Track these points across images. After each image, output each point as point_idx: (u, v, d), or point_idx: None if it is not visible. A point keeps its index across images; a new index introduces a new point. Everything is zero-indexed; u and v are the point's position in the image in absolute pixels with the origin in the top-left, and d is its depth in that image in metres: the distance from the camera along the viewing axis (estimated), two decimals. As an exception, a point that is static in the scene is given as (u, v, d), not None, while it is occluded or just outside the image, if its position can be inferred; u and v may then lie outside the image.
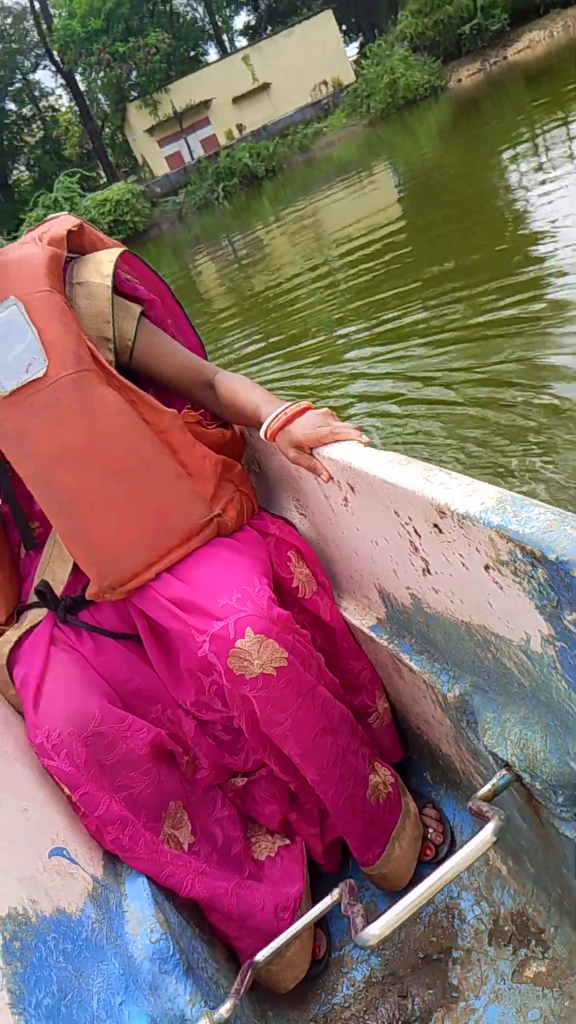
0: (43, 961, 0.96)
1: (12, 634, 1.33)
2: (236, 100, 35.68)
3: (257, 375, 5.87)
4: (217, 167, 29.24)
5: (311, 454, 1.27)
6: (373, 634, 1.38)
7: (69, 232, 1.33)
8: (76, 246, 1.36)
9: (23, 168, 47.76)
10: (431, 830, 1.44)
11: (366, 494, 1.17)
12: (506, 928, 1.28)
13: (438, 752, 1.44)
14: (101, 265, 1.33)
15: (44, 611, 1.35)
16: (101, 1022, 0.97)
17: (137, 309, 1.35)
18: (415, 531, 1.08)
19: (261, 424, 1.32)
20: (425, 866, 1.41)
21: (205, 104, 35.53)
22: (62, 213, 1.44)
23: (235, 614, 1.14)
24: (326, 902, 1.10)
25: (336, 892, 1.09)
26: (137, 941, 1.11)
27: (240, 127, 34.91)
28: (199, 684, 1.23)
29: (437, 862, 1.41)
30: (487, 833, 0.94)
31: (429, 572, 1.12)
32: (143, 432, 1.26)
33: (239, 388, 1.40)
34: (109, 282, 1.31)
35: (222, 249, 14.90)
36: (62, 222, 1.36)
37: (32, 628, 1.33)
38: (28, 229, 1.40)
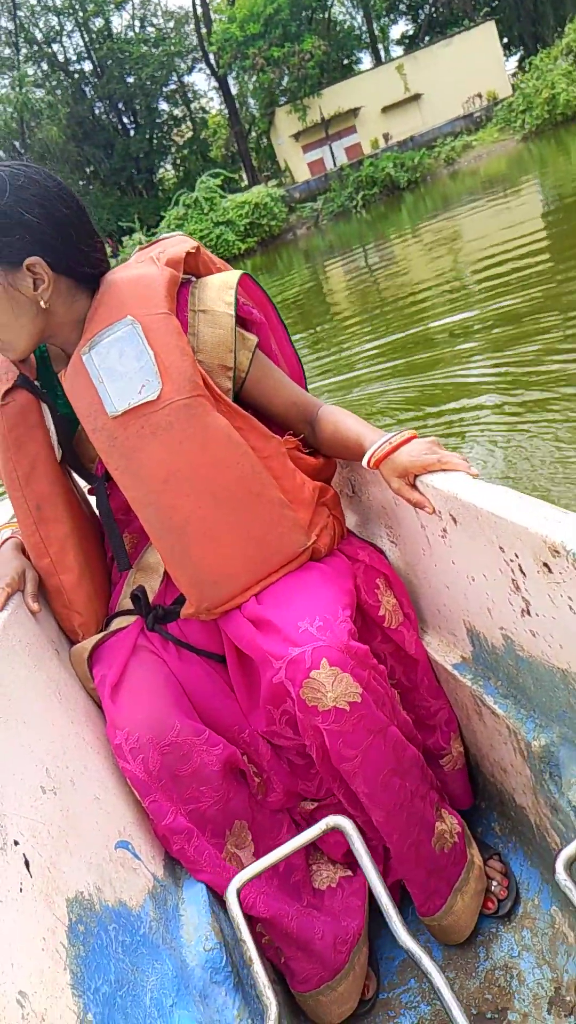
0: (103, 949, 0.98)
1: (99, 634, 1.37)
2: (385, 109, 35.56)
3: (370, 383, 5.84)
4: (359, 175, 29.17)
5: (415, 485, 1.25)
6: (456, 672, 1.35)
7: (187, 254, 1.34)
8: (191, 268, 1.37)
9: (169, 167, 49.28)
10: (495, 883, 1.39)
11: (469, 527, 1.15)
12: (568, 998, 1.22)
13: (511, 803, 1.39)
14: (224, 292, 1.33)
15: (131, 619, 1.38)
16: (152, 1019, 0.98)
17: (253, 341, 1.35)
18: (520, 569, 1.06)
19: (363, 454, 1.31)
20: (486, 920, 1.37)
21: (353, 112, 35.60)
22: (177, 233, 1.46)
23: (313, 642, 1.14)
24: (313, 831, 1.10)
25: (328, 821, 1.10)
26: (192, 947, 1.12)
27: (387, 136, 34.76)
28: (271, 714, 1.23)
29: (499, 917, 1.37)
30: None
31: (529, 613, 1.10)
32: (251, 460, 1.26)
33: (342, 420, 1.40)
34: (232, 311, 1.31)
35: (355, 258, 14.86)
36: (179, 243, 1.37)
37: (117, 631, 1.37)
38: (141, 247, 1.43)
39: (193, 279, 1.37)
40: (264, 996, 1.12)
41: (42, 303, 1.21)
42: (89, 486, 1.47)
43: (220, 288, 1.34)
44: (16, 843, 0.93)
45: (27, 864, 0.93)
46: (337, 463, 1.58)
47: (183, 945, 1.12)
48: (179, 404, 1.20)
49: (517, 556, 1.04)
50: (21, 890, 0.90)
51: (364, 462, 1.31)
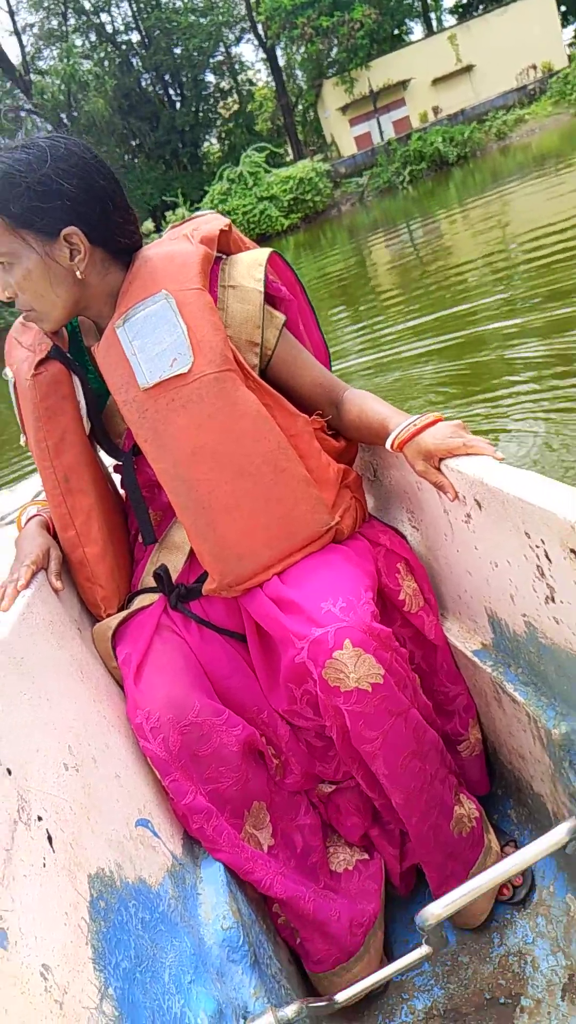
0: (124, 925, 1.00)
1: (122, 612, 1.38)
2: (436, 81, 34.67)
3: (411, 361, 5.77)
4: (407, 150, 28.50)
5: (439, 469, 1.24)
6: (476, 659, 1.34)
7: (220, 232, 1.35)
8: (223, 246, 1.38)
9: (214, 140, 48.90)
10: (512, 870, 1.39)
11: (494, 512, 1.14)
12: (581, 985, 1.22)
13: (528, 790, 1.39)
14: (254, 269, 1.34)
15: (154, 597, 1.39)
16: (171, 995, 1.00)
17: (281, 319, 1.35)
18: (546, 555, 1.05)
19: (387, 436, 1.30)
20: (501, 906, 1.37)
21: (403, 84, 34.81)
22: (209, 211, 1.47)
23: (336, 622, 1.14)
24: None
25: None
26: (209, 925, 1.14)
27: (436, 110, 33.93)
28: (291, 693, 1.24)
29: (514, 904, 1.37)
30: None
31: (553, 600, 1.09)
32: (278, 436, 1.27)
33: (367, 402, 1.40)
34: (261, 287, 1.32)
35: (399, 234, 14.63)
36: (212, 220, 1.38)
37: (140, 609, 1.38)
38: (173, 225, 1.43)
39: (224, 256, 1.38)
40: (280, 976, 1.15)
41: (78, 273, 1.23)
42: (115, 463, 1.49)
43: (250, 265, 1.34)
44: (40, 819, 0.95)
45: (50, 839, 0.95)
46: (359, 447, 1.57)
47: (201, 923, 1.14)
48: (209, 378, 1.21)
49: (543, 542, 1.03)
50: (44, 865, 0.92)
51: (388, 444, 1.30)
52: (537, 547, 1.06)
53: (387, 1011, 1.32)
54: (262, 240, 25.52)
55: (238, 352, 1.28)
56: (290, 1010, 1.04)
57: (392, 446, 1.29)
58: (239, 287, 1.32)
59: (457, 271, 8.44)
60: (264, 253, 1.37)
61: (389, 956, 1.38)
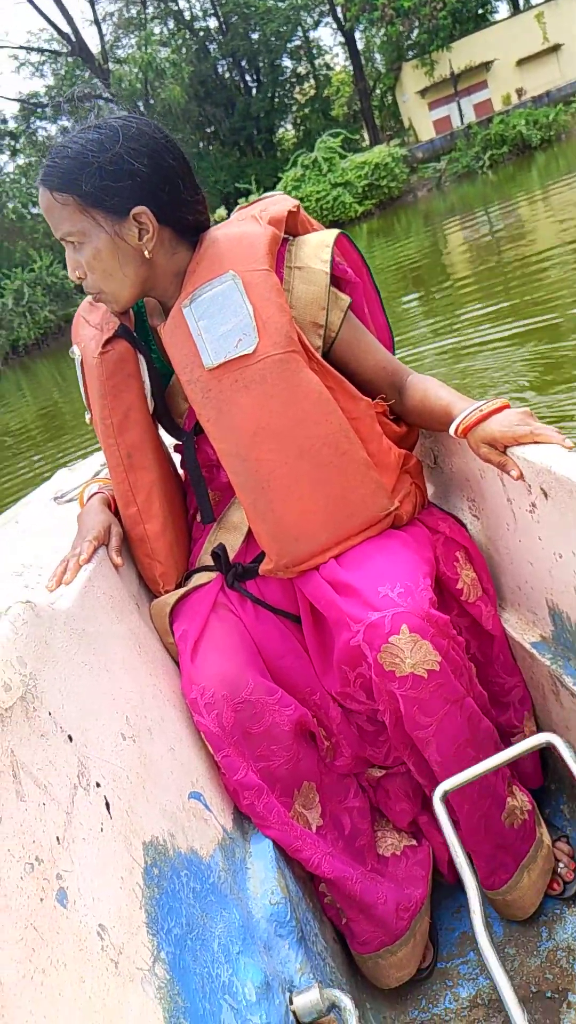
0: (176, 893, 1.02)
1: (180, 590, 1.40)
2: (520, 62, 33.51)
3: (488, 348, 5.67)
4: (487, 134, 27.57)
5: (504, 453, 1.23)
6: (535, 651, 1.33)
7: (288, 213, 1.35)
8: (290, 227, 1.38)
9: (289, 126, 48.67)
10: (562, 865, 1.38)
11: (561, 502, 1.12)
12: (631, 985, 1.21)
13: (584, 786, 1.37)
14: (320, 250, 1.34)
15: (212, 575, 1.41)
16: (220, 964, 1.02)
17: (346, 301, 1.35)
18: None
19: (451, 422, 1.29)
20: (551, 900, 1.36)
21: (486, 66, 33.80)
22: (277, 192, 1.47)
23: (393, 607, 1.14)
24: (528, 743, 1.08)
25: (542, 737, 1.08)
26: (258, 899, 1.16)
27: (520, 92, 32.77)
28: (345, 676, 1.24)
29: (564, 899, 1.35)
30: None
31: None
32: (340, 419, 1.27)
33: (432, 387, 1.39)
34: (328, 268, 1.32)
35: (477, 220, 14.34)
36: (280, 201, 1.38)
37: (198, 587, 1.40)
38: (241, 207, 1.44)
39: (291, 238, 1.38)
40: (325, 954, 1.16)
41: (146, 253, 1.24)
42: (176, 442, 1.51)
43: (317, 246, 1.34)
44: (98, 785, 0.98)
45: (108, 806, 0.98)
46: (420, 433, 1.56)
47: (250, 897, 1.16)
48: (274, 359, 1.22)
49: None
50: (102, 830, 0.94)
51: (452, 430, 1.29)
52: None
53: (431, 996, 1.33)
54: (336, 227, 25.33)
55: (303, 333, 1.28)
56: (336, 990, 1.05)
57: (456, 432, 1.28)
58: (305, 268, 1.33)
59: (538, 258, 8.23)
60: (331, 234, 1.37)
61: (435, 943, 1.38)
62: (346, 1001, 1.02)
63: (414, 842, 1.36)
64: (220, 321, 1.24)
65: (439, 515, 1.44)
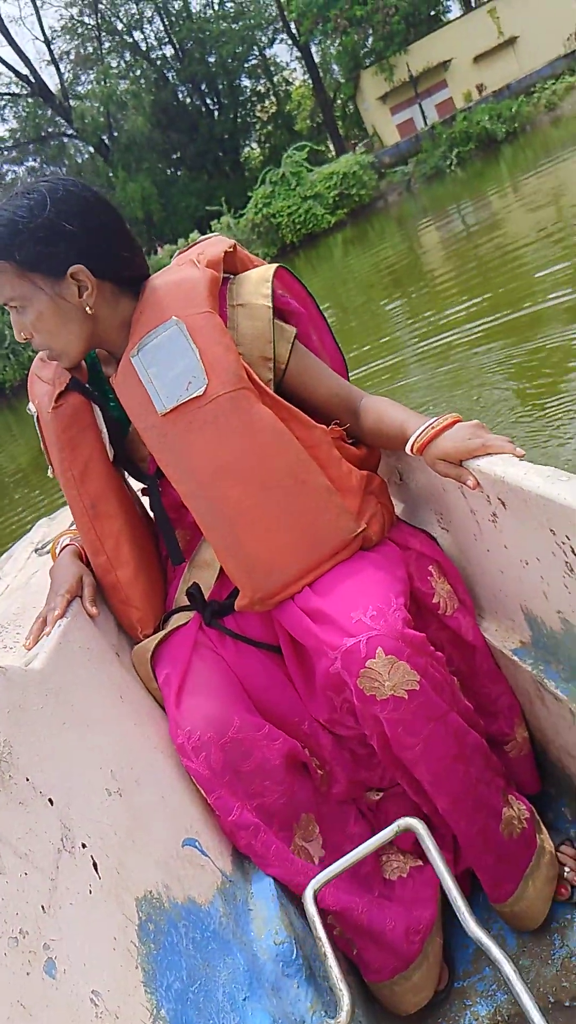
0: (174, 946, 1.01)
1: (159, 634, 1.40)
2: (477, 59, 33.44)
3: (466, 348, 5.67)
4: (452, 132, 27.46)
5: (460, 466, 1.23)
6: (516, 658, 1.32)
7: (225, 253, 1.37)
8: (229, 266, 1.40)
9: (255, 145, 48.90)
10: (568, 869, 1.36)
11: (518, 510, 1.12)
12: None
13: (581, 788, 1.36)
14: (260, 285, 1.35)
15: (189, 615, 1.41)
16: (226, 1013, 1.00)
17: (291, 332, 1.36)
18: (572, 551, 1.03)
19: (406, 441, 1.30)
20: (560, 906, 1.34)
21: (443, 65, 33.82)
22: (214, 234, 1.49)
23: (367, 631, 1.14)
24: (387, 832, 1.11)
25: (402, 823, 1.10)
26: (262, 941, 1.14)
27: (480, 87, 32.81)
28: (331, 702, 1.24)
29: (574, 904, 1.34)
30: None
31: None
32: (297, 449, 1.28)
33: (385, 408, 1.39)
34: (269, 302, 1.33)
35: (450, 220, 14.34)
36: (216, 244, 1.40)
37: (177, 629, 1.40)
38: (179, 251, 1.46)
39: (231, 276, 1.40)
40: (337, 988, 1.15)
41: (88, 309, 1.26)
42: (142, 486, 1.51)
43: (257, 282, 1.36)
44: (84, 846, 0.98)
45: (95, 866, 0.97)
46: (382, 452, 1.56)
47: (254, 939, 1.15)
48: (225, 398, 1.23)
49: (568, 538, 1.02)
50: (90, 892, 0.94)
51: (407, 448, 1.30)
52: (563, 543, 1.04)
53: (450, 1018, 1.31)
54: (310, 239, 25.35)
55: (251, 369, 1.29)
56: (342, 1017, 1.04)
57: (412, 451, 1.29)
58: (248, 305, 1.34)
59: (513, 250, 8.21)
60: (270, 269, 1.39)
61: (449, 963, 1.36)
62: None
63: (420, 862, 1.35)
64: (168, 367, 1.25)
65: (409, 531, 1.44)
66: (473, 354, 5.53)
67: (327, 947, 1.01)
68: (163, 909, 1.05)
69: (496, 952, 0.91)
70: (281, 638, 1.32)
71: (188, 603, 1.41)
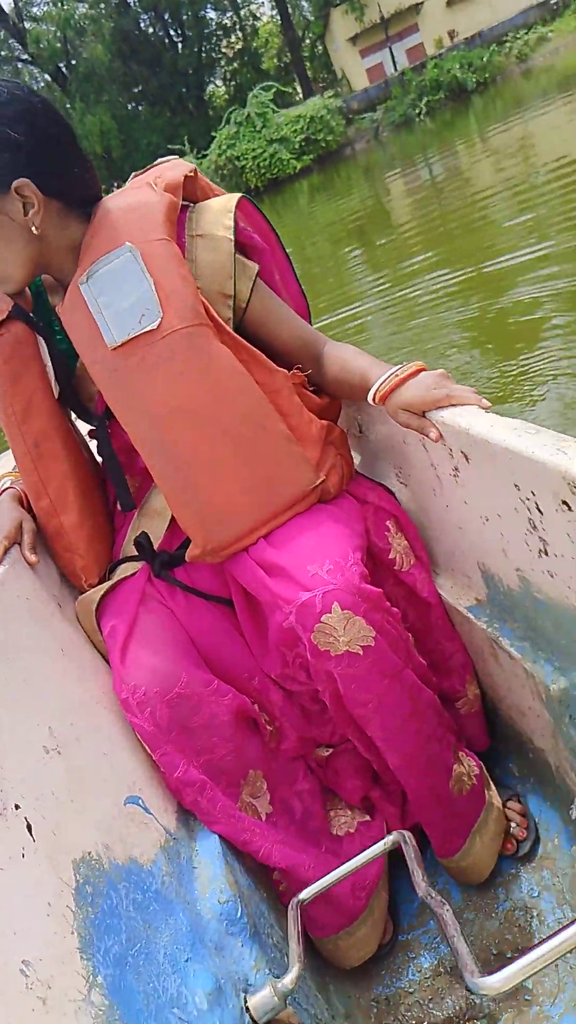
0: (114, 909, 0.98)
1: (104, 584, 1.34)
2: (451, 3, 32.40)
3: (433, 304, 5.60)
4: (422, 79, 26.81)
5: (423, 416, 1.18)
6: (470, 615, 1.30)
7: (185, 178, 1.28)
8: (189, 193, 1.31)
9: (220, 82, 47.30)
10: (514, 824, 1.37)
11: (482, 464, 1.09)
12: (589, 938, 1.20)
13: (529, 744, 1.35)
14: (223, 215, 1.27)
15: (137, 566, 1.35)
16: (167, 976, 0.98)
17: (254, 269, 1.29)
18: (537, 507, 1.00)
19: (368, 390, 1.24)
20: (506, 861, 1.35)
21: (415, 8, 32.85)
22: (172, 157, 1.39)
23: (323, 586, 1.10)
24: (378, 847, 1.09)
25: (390, 839, 1.08)
26: (206, 900, 1.12)
27: (452, 34, 31.93)
28: (283, 657, 1.21)
29: (518, 858, 1.35)
30: None
31: (546, 554, 1.04)
32: (256, 393, 1.21)
33: (349, 355, 1.33)
34: (231, 234, 1.25)
35: (418, 170, 14.07)
36: (176, 166, 1.31)
37: (123, 580, 1.34)
38: (136, 174, 1.36)
39: (191, 204, 1.31)
40: (282, 945, 1.14)
41: (33, 228, 1.16)
42: (90, 428, 1.44)
43: (219, 212, 1.28)
44: (17, 807, 0.93)
45: (29, 828, 0.93)
46: (343, 403, 1.51)
47: (197, 898, 1.12)
48: (181, 333, 1.16)
49: (534, 494, 0.98)
50: (23, 855, 0.89)
51: (369, 397, 1.25)
52: (528, 499, 1.01)
53: (394, 970, 1.32)
54: (275, 184, 24.79)
55: (210, 305, 1.21)
56: (288, 980, 1.02)
57: (374, 399, 1.24)
58: (208, 236, 1.26)
59: (481, 203, 8.10)
60: (233, 199, 1.30)
61: (394, 918, 1.37)
62: (294, 980, 1.00)
63: (367, 818, 1.34)
64: (120, 296, 1.17)
65: (367, 485, 1.40)
66: (438, 304, 5.48)
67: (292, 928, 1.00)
68: (103, 871, 1.01)
69: (439, 908, 0.90)
70: (233, 591, 1.28)
71: (136, 553, 1.35)
